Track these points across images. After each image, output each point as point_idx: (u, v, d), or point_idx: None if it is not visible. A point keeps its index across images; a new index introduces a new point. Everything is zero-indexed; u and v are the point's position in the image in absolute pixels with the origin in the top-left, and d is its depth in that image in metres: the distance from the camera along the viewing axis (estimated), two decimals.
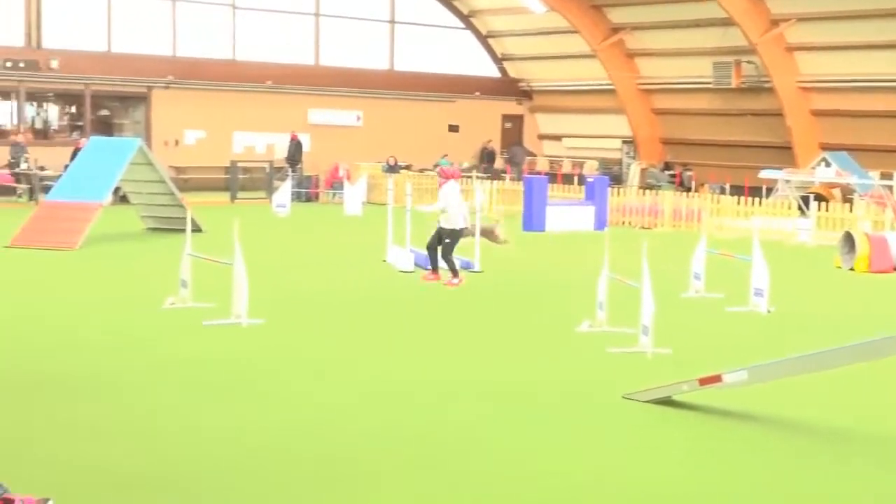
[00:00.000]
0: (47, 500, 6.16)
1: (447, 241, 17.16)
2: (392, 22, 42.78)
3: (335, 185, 35.57)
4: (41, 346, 11.78)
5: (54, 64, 35.33)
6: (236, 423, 8.85)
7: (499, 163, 42.02)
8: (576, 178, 35.19)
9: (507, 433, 8.70)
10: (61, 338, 12.31)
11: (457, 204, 17.15)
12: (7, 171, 32.06)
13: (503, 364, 11.37)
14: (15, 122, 36.02)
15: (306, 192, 35.42)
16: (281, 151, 37.74)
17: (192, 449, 8.00)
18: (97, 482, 7.11)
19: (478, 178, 33.44)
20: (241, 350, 11.77)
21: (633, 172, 40.00)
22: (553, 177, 35.12)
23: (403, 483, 7.33)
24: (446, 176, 17.54)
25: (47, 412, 8.99)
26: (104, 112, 38.19)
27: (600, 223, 27.64)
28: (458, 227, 17.21)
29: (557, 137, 44.94)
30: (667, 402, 9.55)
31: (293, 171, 35.23)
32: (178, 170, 35.91)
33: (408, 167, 37.95)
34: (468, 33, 44.62)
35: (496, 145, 43.55)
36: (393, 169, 36.22)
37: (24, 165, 32.19)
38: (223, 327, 12.83)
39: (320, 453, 7.98)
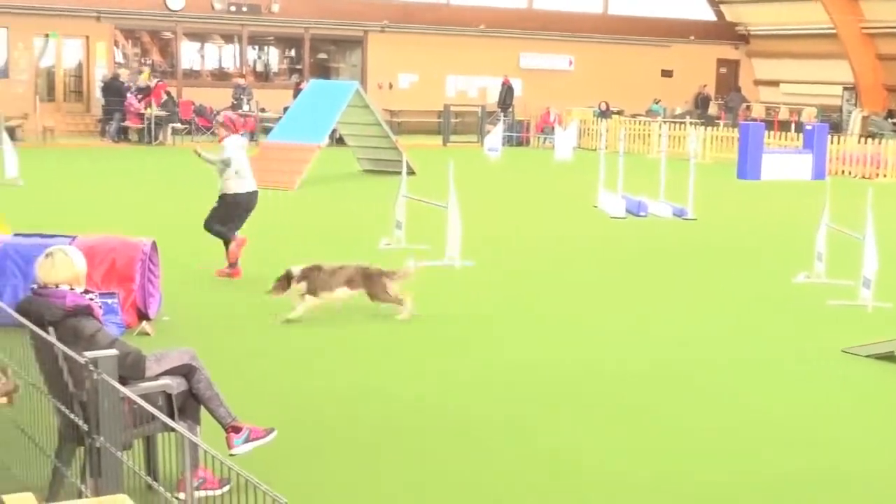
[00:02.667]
0: (271, 429, 6.40)
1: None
2: None
3: (546, 129, 35.45)
4: (257, 274, 12.18)
5: (275, 8, 36.23)
6: (447, 365, 9.00)
7: (713, 109, 41.06)
8: (793, 126, 34.08)
9: (724, 381, 8.59)
10: (273, 267, 12.67)
11: None
12: (230, 112, 33.14)
13: (719, 315, 11.18)
14: (237, 64, 37.17)
15: (517, 137, 35.47)
16: (493, 95, 37.82)
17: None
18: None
19: (692, 124, 32.79)
20: (452, 291, 11.92)
21: (854, 120, 38.46)
22: (769, 124, 34.10)
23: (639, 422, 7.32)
24: None
25: (249, 334, 9.33)
26: (322, 55, 39.01)
27: (818, 172, 26.74)
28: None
29: (774, 83, 43.55)
30: (889, 357, 9.22)
31: (504, 116, 35.29)
32: (392, 113, 36.42)
33: (619, 112, 37.50)
34: None
35: (711, 91, 42.54)
36: (605, 114, 35.87)
37: (246, 107, 33.20)
38: (436, 268, 12.99)
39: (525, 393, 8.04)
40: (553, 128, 33.62)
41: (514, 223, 17.57)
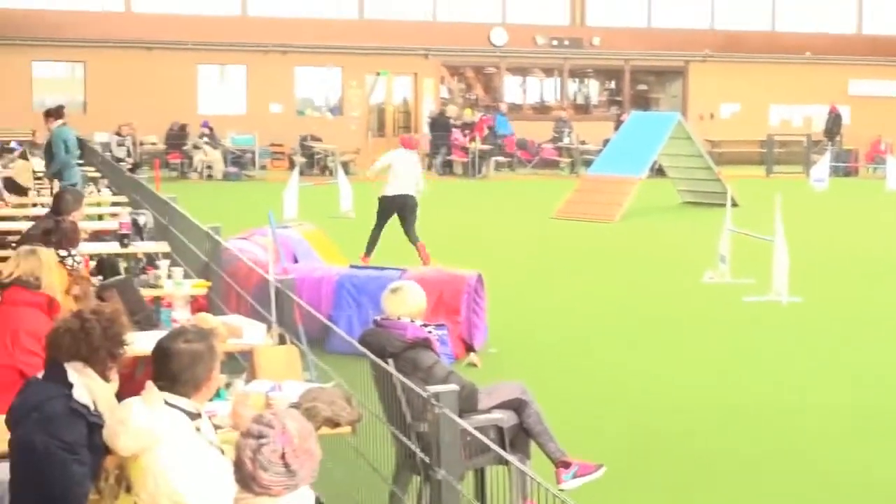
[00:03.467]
0: (600, 465, 6.42)
1: None
2: None
3: (877, 159, 33.91)
4: (579, 313, 12.29)
5: (596, 41, 36.47)
6: (776, 401, 8.76)
7: None
8: None
9: None
10: (595, 307, 12.75)
11: None
12: (551, 145, 33.57)
13: None
14: (558, 97, 37.64)
15: (845, 167, 34.11)
16: (818, 124, 36.56)
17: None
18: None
19: None
20: (782, 328, 11.61)
21: None
22: None
23: None
24: None
25: (579, 370, 9.38)
26: (642, 86, 38.93)
27: None
28: None
29: None
30: None
31: (831, 145, 34.03)
32: (713, 143, 35.82)
33: None
34: None
35: None
36: None
37: (566, 140, 33.55)
38: (762, 304, 12.70)
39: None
40: (885, 157, 32.11)
41: (844, 257, 16.90)
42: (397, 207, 15.13)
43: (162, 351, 4.47)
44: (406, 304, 6.09)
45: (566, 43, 36.37)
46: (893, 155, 31.58)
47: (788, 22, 38.69)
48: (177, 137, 30.30)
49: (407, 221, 15.12)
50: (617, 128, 29.06)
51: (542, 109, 37.44)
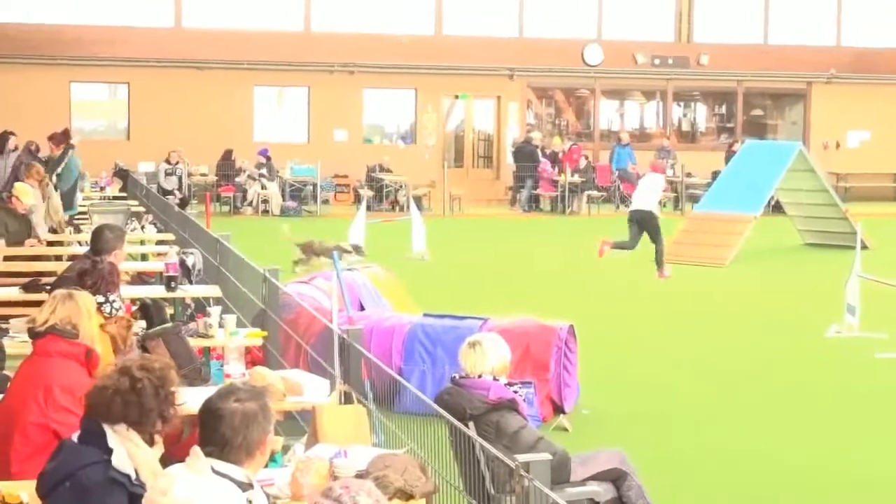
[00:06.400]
0: None
1: None
2: None
3: None
4: (687, 370, 12.17)
5: (704, 60, 36.34)
6: None
7: None
8: None
9: None
10: (707, 363, 12.63)
11: None
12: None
13: None
14: (660, 124, 37.53)
15: None
16: None
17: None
18: None
19: None
20: None
21: None
22: None
23: None
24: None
25: (689, 436, 9.28)
26: (756, 111, 38.68)
27: None
28: None
29: None
30: None
31: None
32: (839, 177, 35.44)
33: None
34: None
35: None
36: None
37: (669, 172, 33.36)
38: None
39: None
40: None
41: None
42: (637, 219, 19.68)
43: (210, 412, 4.48)
44: (487, 361, 6.08)
45: (670, 62, 36.28)
46: None
47: None
48: (229, 168, 30.61)
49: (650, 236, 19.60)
50: (728, 159, 28.86)
51: (641, 137, 37.28)
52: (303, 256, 17.81)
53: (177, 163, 28.86)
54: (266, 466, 4.92)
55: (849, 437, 9.83)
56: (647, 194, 19.91)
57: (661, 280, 19.08)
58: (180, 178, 28.67)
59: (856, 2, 37.73)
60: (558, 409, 10.09)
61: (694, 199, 28.26)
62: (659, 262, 19.37)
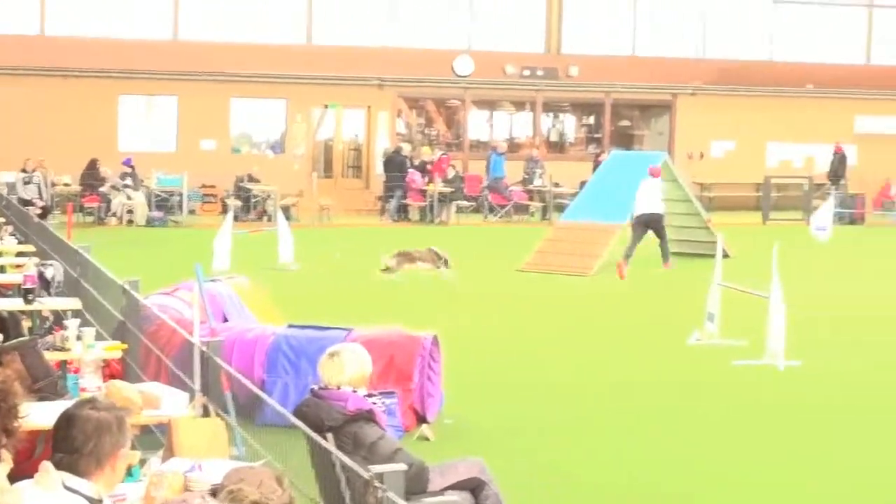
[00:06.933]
0: None
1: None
2: None
3: (886, 204, 34.34)
4: (552, 377, 12.32)
5: (573, 71, 36.78)
6: (767, 484, 8.79)
7: None
8: None
9: None
10: (572, 371, 12.80)
11: None
12: (520, 187, 33.68)
13: None
14: (529, 134, 37.86)
15: (850, 213, 34.46)
16: (821, 165, 36.94)
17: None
18: None
19: None
20: (776, 396, 11.68)
21: None
22: None
23: None
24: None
25: (554, 444, 9.39)
26: (624, 122, 39.22)
27: None
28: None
29: None
30: None
31: (836, 189, 34.39)
32: (703, 186, 36.14)
33: None
34: None
35: None
36: None
37: (538, 182, 33.72)
38: (755, 368, 12.78)
39: None
40: (894, 202, 32.50)
41: (847, 315, 17.04)
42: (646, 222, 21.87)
43: (64, 418, 4.45)
44: (345, 372, 6.09)
45: (539, 73, 36.67)
46: None
47: (788, 51, 39.19)
48: (93, 177, 30.12)
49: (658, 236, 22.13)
50: (595, 169, 29.25)
51: (511, 147, 37.60)
52: (393, 264, 19.16)
53: (34, 170, 28.37)
54: (123, 481, 4.87)
55: (703, 442, 10.03)
56: (653, 198, 21.92)
57: (666, 270, 21.70)
58: (39, 187, 28.19)
59: (720, 16, 38.55)
60: (421, 419, 10.14)
61: (561, 209, 28.52)
62: (666, 256, 22.07)
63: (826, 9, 39.54)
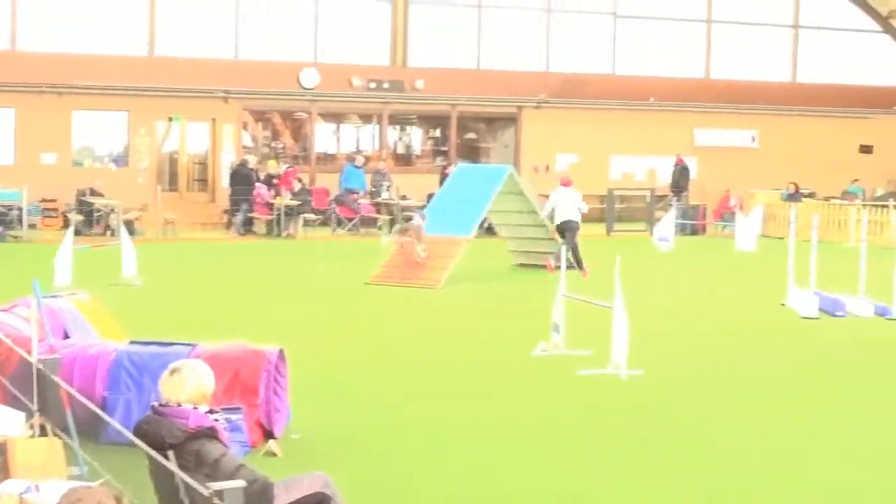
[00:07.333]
0: None
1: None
2: (795, 27, 41.94)
3: (725, 215, 35.18)
4: (399, 391, 12.34)
5: (419, 84, 36.93)
6: (609, 487, 8.92)
7: None
8: None
9: None
10: (419, 383, 12.83)
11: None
12: (368, 200, 33.67)
13: None
14: (376, 147, 37.89)
15: (692, 224, 35.25)
16: (663, 177, 37.72)
17: None
18: None
19: None
20: (618, 405, 11.86)
21: None
22: None
23: None
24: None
25: (403, 457, 9.41)
26: (470, 135, 39.49)
27: None
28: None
29: None
30: None
31: (677, 200, 35.12)
32: (549, 198, 36.56)
33: (811, 195, 37.00)
34: (886, 38, 43.07)
35: None
36: (794, 197, 35.43)
37: (385, 195, 33.77)
38: (599, 378, 12.96)
39: None
40: (734, 213, 33.32)
41: (689, 325, 17.41)
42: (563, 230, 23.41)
43: None
44: (186, 389, 6.02)
45: (386, 86, 36.74)
46: (743, 211, 32.79)
47: (630, 65, 39.91)
48: None
49: (568, 242, 23.00)
50: (442, 181, 29.40)
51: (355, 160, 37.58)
52: (397, 234, 22.70)
53: None
54: None
55: (548, 450, 10.12)
56: (572, 207, 23.78)
57: (585, 278, 21.70)
58: None
59: (563, 30, 39.09)
60: (268, 435, 10.06)
61: (408, 222, 28.52)
62: (580, 264, 22.85)
63: (667, 24, 40.36)
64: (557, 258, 21.81)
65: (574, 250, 23.20)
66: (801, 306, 18.38)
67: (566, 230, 23.49)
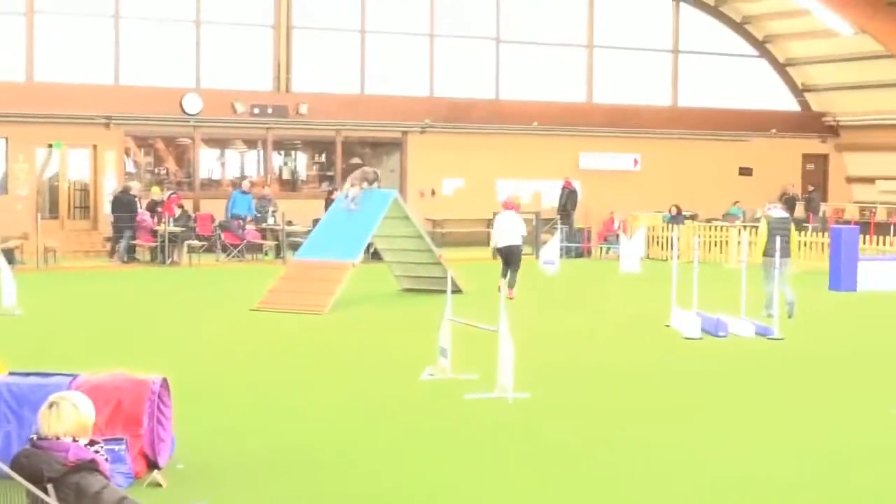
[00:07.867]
0: None
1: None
2: (675, 52, 42.59)
3: (609, 238, 35.55)
4: (286, 417, 12.26)
5: (303, 109, 36.79)
6: None
7: (800, 210, 40.97)
8: (892, 228, 33.98)
9: None
10: (307, 409, 12.77)
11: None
12: (253, 226, 33.45)
13: (818, 451, 11.10)
14: (261, 172, 37.66)
15: (577, 247, 35.57)
16: (548, 200, 38.01)
17: None
18: None
19: None
20: (505, 428, 11.90)
21: None
22: (865, 227, 34.02)
23: None
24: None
25: (290, 484, 9.34)
26: (356, 160, 39.40)
27: None
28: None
29: (870, 180, 43.56)
30: None
31: (563, 223, 35.39)
32: (435, 223, 36.70)
33: (693, 217, 37.56)
34: (763, 62, 43.96)
35: (797, 190, 42.53)
36: (676, 219, 35.90)
37: (270, 220, 33.58)
38: (487, 401, 13.00)
39: None
40: (617, 236, 33.71)
41: (574, 348, 17.54)
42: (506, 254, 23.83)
43: None
44: (64, 422, 5.91)
45: (269, 111, 36.55)
46: (626, 234, 33.18)
47: (514, 90, 40.16)
48: None
49: (513, 266, 23.65)
50: (328, 206, 29.32)
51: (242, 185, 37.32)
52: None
53: None
54: None
55: (435, 473, 10.13)
56: (515, 231, 24.00)
57: (510, 298, 21.27)
58: None
59: (447, 55, 39.24)
60: (153, 465, 9.92)
61: (295, 247, 28.45)
62: (512, 285, 23.10)
63: (549, 49, 40.71)
64: (509, 285, 22.78)
65: (514, 272, 23.61)
66: (684, 327, 18.64)
67: (509, 255, 23.83)
